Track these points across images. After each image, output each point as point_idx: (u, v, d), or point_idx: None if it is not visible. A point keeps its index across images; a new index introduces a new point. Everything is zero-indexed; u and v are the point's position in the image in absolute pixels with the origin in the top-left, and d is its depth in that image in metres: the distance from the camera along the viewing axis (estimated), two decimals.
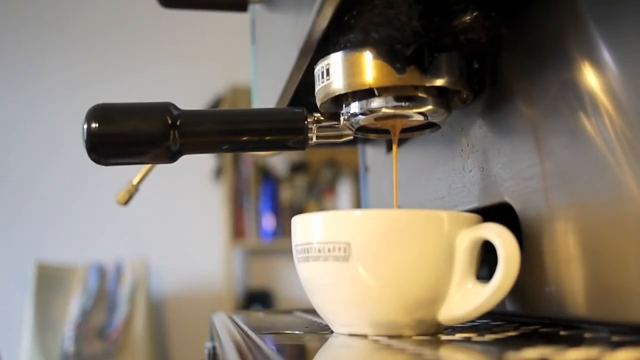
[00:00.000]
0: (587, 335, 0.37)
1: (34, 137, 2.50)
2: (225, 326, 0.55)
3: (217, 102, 2.51)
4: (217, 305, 2.41)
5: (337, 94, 0.45)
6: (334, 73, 0.45)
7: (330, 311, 0.43)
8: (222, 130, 0.47)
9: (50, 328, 2.16)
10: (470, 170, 0.50)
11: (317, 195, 2.57)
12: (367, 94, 0.45)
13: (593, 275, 0.36)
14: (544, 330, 0.41)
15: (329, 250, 0.40)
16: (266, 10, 0.64)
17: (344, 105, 0.47)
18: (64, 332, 2.16)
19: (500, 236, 0.37)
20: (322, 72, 0.46)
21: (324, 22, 0.41)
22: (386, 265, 0.39)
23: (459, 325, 0.46)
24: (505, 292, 0.37)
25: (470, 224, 0.40)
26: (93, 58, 2.55)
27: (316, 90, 0.47)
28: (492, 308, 0.38)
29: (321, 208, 2.50)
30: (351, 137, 0.50)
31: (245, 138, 0.48)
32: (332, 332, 0.44)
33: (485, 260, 0.41)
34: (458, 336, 0.39)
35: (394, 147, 0.49)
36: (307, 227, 0.42)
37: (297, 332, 0.47)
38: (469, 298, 0.38)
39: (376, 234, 0.39)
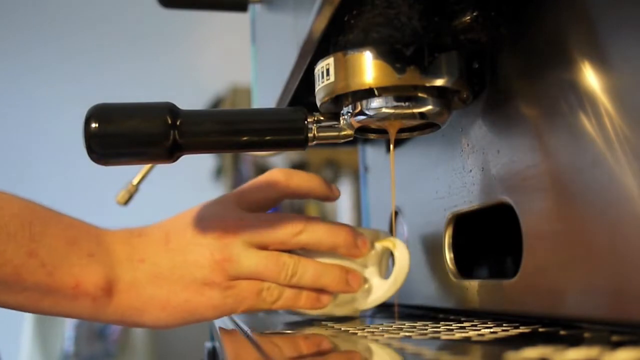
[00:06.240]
0: (587, 335, 0.37)
1: (34, 137, 2.50)
2: (225, 326, 0.55)
3: (217, 102, 2.51)
4: None
5: (337, 93, 0.45)
6: (334, 73, 0.45)
7: None
8: (222, 130, 0.47)
9: (50, 328, 2.16)
10: (470, 170, 0.50)
11: None
12: (367, 94, 0.45)
13: (593, 275, 0.36)
14: (544, 330, 0.40)
15: None
16: (266, 10, 0.64)
17: (344, 105, 0.47)
18: (64, 332, 2.16)
19: (397, 247, 0.52)
20: (322, 72, 0.46)
21: (324, 22, 0.41)
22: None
23: (459, 325, 0.46)
24: (398, 286, 0.52)
25: (378, 237, 0.54)
26: (93, 58, 2.55)
27: (316, 90, 0.47)
28: (390, 298, 0.53)
29: (321, 208, 2.49)
30: (351, 137, 0.50)
31: (245, 138, 0.48)
32: (332, 331, 0.44)
33: (485, 260, 0.41)
34: (458, 336, 0.39)
35: (391, 147, 0.49)
36: None
37: (297, 332, 0.47)
38: (374, 289, 0.53)
39: None
